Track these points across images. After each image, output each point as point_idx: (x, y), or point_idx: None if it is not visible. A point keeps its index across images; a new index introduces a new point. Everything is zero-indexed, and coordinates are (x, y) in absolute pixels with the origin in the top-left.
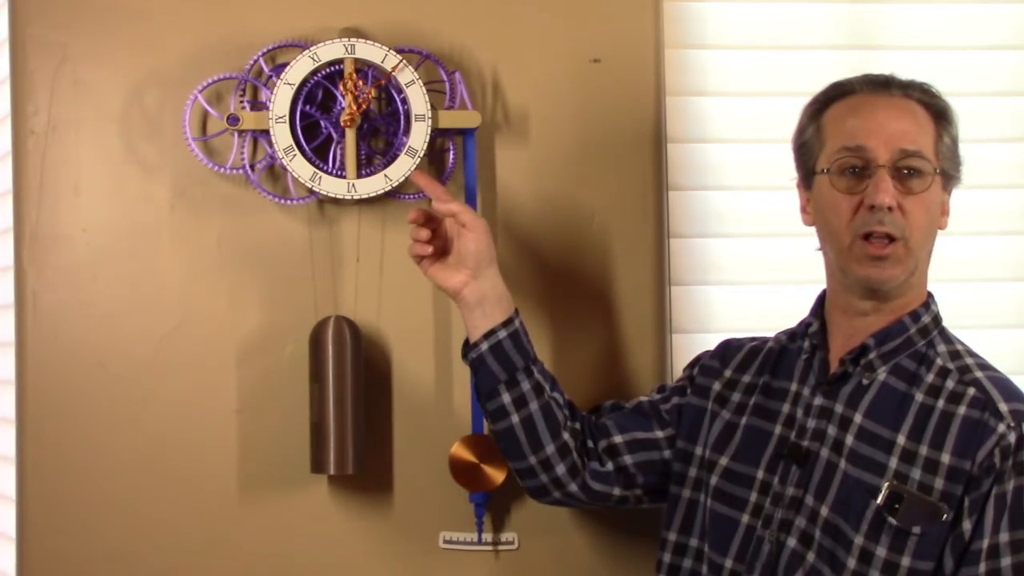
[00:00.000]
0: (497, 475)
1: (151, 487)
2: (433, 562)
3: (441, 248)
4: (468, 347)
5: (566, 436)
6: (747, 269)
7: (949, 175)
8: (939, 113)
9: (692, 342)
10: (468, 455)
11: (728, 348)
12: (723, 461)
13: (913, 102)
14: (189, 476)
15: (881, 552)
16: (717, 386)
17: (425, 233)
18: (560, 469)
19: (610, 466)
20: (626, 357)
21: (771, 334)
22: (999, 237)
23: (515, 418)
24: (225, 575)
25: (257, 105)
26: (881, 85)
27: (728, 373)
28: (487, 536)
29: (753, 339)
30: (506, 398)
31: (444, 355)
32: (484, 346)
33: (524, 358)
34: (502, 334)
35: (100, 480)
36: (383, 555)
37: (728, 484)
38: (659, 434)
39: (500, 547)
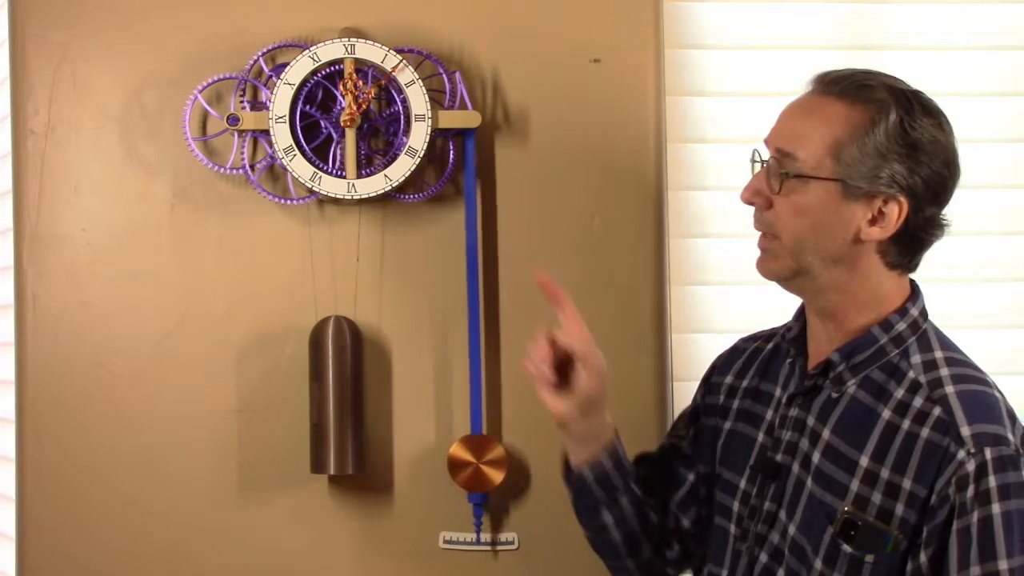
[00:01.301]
0: (496, 475)
1: (151, 487)
2: (433, 562)
3: (556, 370)
4: (568, 468)
5: (658, 536)
6: (747, 269)
7: (850, 185)
8: (869, 116)
9: (692, 342)
10: (467, 455)
11: (734, 352)
12: (721, 471)
13: (830, 99)
14: (189, 476)
15: None
16: (721, 399)
17: (543, 352)
18: (656, 563)
19: (676, 548)
20: (626, 357)
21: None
22: (999, 237)
23: (616, 534)
24: (225, 575)
25: (257, 105)
26: (811, 82)
27: (729, 380)
28: (487, 536)
29: (758, 336)
30: (608, 519)
31: (446, 354)
32: (589, 475)
33: (623, 476)
34: (607, 464)
35: (100, 480)
36: (383, 555)
37: (721, 495)
38: (691, 477)
39: (500, 547)
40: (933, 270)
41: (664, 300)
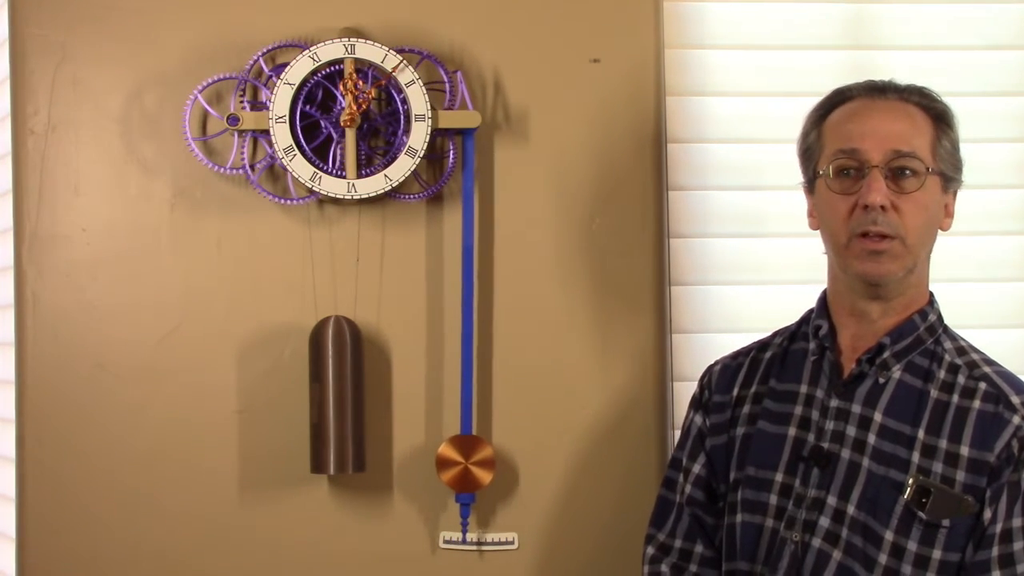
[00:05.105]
0: (484, 475)
1: (151, 487)
2: (433, 562)
3: None
4: None
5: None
6: (747, 269)
7: (948, 176)
8: (938, 116)
9: (692, 342)
10: (455, 455)
11: (725, 370)
12: (749, 471)
13: (910, 105)
14: (189, 476)
15: (912, 546)
16: (730, 413)
17: None
18: None
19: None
20: (626, 357)
21: (767, 333)
22: (999, 237)
23: None
24: (225, 575)
25: (257, 105)
26: (879, 90)
27: (735, 392)
28: (488, 536)
29: (747, 350)
30: None
31: (446, 354)
32: None
33: None
34: None
35: (100, 480)
36: (383, 555)
37: (751, 491)
38: (720, 504)
39: (500, 547)
40: (935, 269)
41: (664, 300)
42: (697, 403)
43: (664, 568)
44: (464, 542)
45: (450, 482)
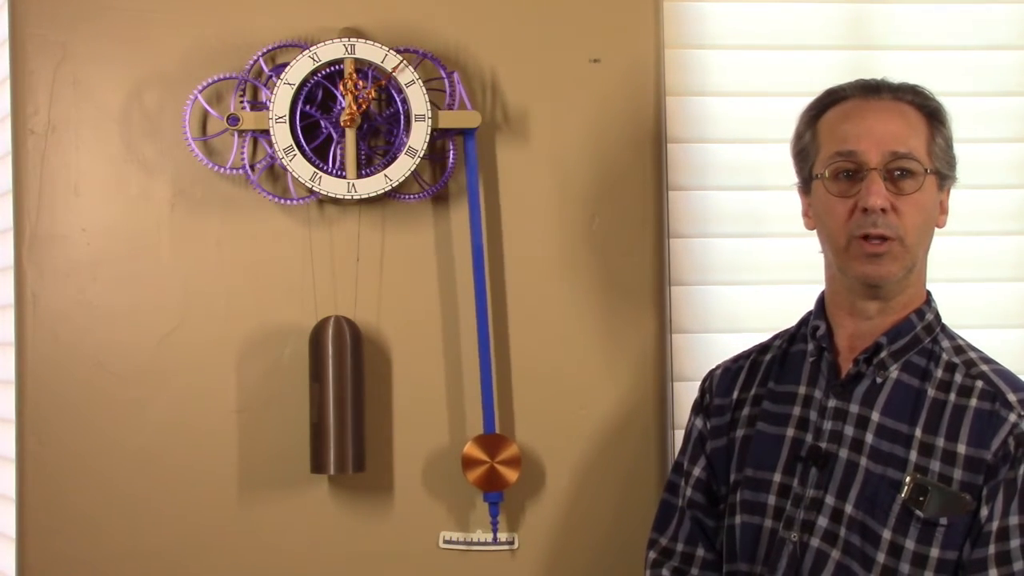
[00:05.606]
0: (510, 474)
1: (151, 487)
2: (433, 562)
3: None
4: None
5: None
6: (747, 269)
7: (944, 175)
8: (932, 114)
9: (692, 342)
10: (481, 454)
11: (726, 373)
12: (748, 472)
13: (904, 104)
14: (189, 476)
15: (910, 545)
16: (729, 416)
17: None
18: None
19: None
20: (626, 357)
21: (770, 334)
22: (999, 237)
23: None
24: (225, 575)
25: (257, 105)
26: (872, 89)
27: (735, 395)
28: (489, 536)
29: (747, 354)
30: None
31: (445, 354)
32: None
33: None
34: None
35: (100, 480)
36: (383, 555)
37: (750, 492)
38: (721, 506)
39: (500, 547)
40: (933, 269)
41: (664, 300)
42: (698, 407)
43: (666, 572)
44: (495, 542)
45: (476, 481)
